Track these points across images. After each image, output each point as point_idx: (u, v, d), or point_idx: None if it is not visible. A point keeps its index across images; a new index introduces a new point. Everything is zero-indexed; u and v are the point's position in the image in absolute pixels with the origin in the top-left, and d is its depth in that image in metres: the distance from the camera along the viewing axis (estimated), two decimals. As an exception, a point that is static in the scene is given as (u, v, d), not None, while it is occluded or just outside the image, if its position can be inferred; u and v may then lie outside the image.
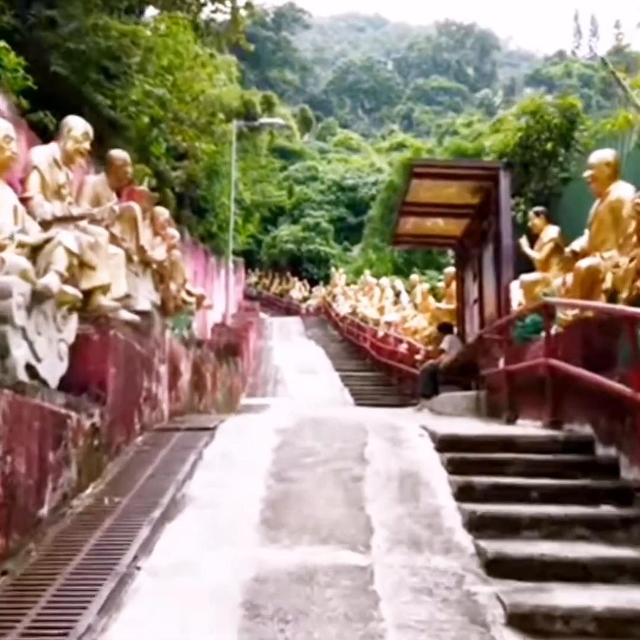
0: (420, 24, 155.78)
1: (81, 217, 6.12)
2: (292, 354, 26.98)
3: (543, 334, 7.95)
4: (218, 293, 26.02)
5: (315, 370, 22.93)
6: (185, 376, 8.91)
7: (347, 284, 39.90)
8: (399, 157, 52.54)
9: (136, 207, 7.84)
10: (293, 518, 4.60)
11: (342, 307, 34.86)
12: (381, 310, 25.52)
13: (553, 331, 7.78)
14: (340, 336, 33.49)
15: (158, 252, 10.04)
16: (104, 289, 6.07)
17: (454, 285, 16.65)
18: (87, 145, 6.58)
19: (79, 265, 5.98)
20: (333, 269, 45.00)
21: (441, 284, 18.46)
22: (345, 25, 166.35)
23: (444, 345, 13.56)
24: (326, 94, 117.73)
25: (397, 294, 24.14)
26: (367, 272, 32.22)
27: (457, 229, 14.67)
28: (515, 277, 10.97)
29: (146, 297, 8.02)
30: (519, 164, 12.89)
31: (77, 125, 6.56)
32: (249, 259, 53.54)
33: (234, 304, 38.49)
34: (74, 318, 5.53)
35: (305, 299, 48.30)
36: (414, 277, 22.22)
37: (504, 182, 11.52)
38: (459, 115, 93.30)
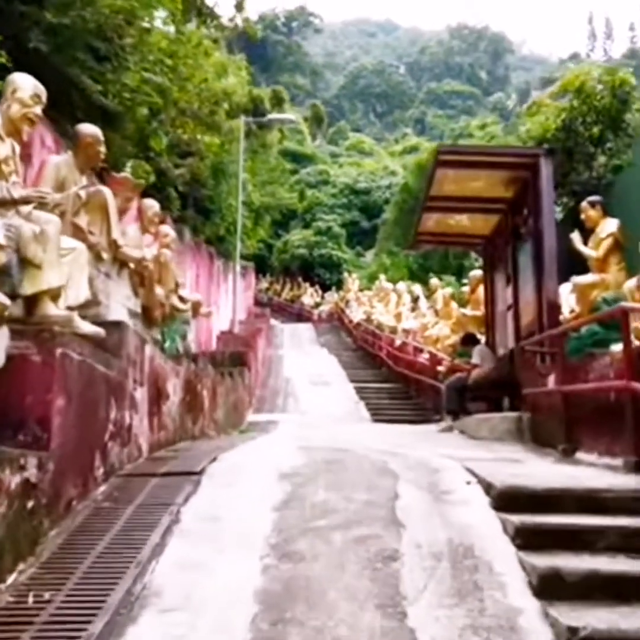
0: (432, 28, 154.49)
1: (25, 201, 4.67)
2: (304, 363, 25.48)
3: (612, 347, 6.42)
4: (225, 299, 24.57)
5: (328, 382, 21.43)
6: (174, 398, 7.42)
7: (361, 290, 38.48)
8: (414, 159, 51.04)
9: (107, 193, 6.37)
10: (299, 636, 3.09)
11: (356, 314, 33.42)
12: (398, 317, 24.01)
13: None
14: (353, 344, 32.04)
15: (147, 251, 8.58)
16: (53, 293, 4.61)
17: (480, 289, 15.14)
18: (38, 110, 5.09)
19: (21, 262, 4.52)
20: (346, 274, 43.57)
21: (464, 289, 16.90)
22: (356, 31, 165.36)
23: (475, 358, 12.02)
24: (338, 99, 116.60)
25: (415, 300, 22.62)
26: (382, 277, 30.73)
27: (486, 226, 13.17)
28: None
29: (122, 304, 6.55)
30: (561, 151, 11.35)
31: (24, 85, 5.07)
32: (260, 264, 52.51)
33: (243, 310, 37.10)
34: (3, 333, 4.08)
35: (317, 305, 46.92)
36: (434, 281, 20.71)
37: (546, 171, 10.00)
38: (472, 118, 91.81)
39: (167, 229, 10.15)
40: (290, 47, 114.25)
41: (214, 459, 5.84)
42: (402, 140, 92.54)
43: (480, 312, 14.93)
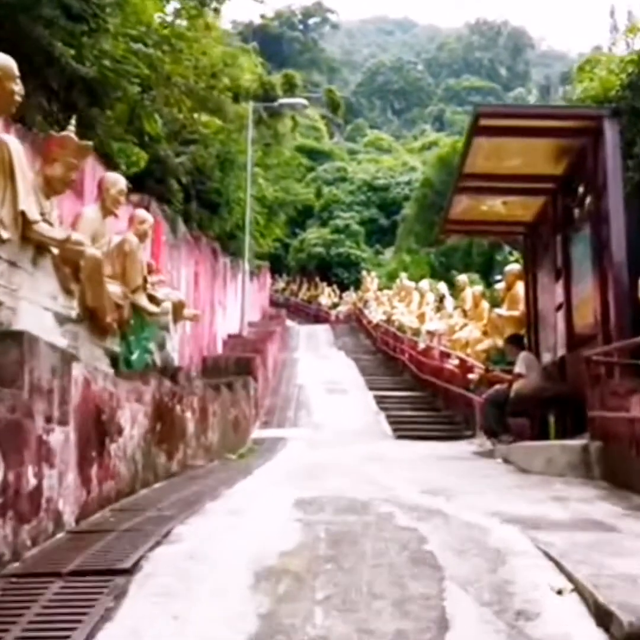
0: (450, 26, 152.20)
1: None
2: (320, 368, 23.57)
3: None
4: (233, 300, 22.69)
5: (345, 389, 19.49)
6: (134, 431, 5.54)
7: (380, 289, 36.59)
8: (435, 152, 49.00)
9: (10, 143, 4.50)
10: None
11: (375, 314, 31.52)
12: (421, 317, 22.05)
13: None
14: (373, 346, 30.17)
15: (117, 239, 6.72)
16: None
17: (518, 286, 13.17)
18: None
19: None
20: (364, 273, 41.71)
21: (498, 286, 14.89)
22: (374, 29, 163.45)
23: (519, 367, 10.04)
24: (355, 96, 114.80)
25: (441, 299, 20.63)
26: (402, 275, 28.78)
27: (527, 212, 11.22)
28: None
29: (40, 305, 4.67)
30: (628, 113, 9.35)
31: None
32: (276, 264, 51.19)
33: (257, 312, 35.27)
34: None
35: (334, 306, 45.21)
36: (462, 277, 18.71)
37: (611, 137, 8.06)
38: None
39: (143, 214, 8.28)
40: (306, 44, 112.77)
41: (166, 535, 3.93)
42: (421, 136, 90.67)
43: (518, 312, 12.97)
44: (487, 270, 37.44)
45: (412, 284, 25.57)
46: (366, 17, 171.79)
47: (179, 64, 13.60)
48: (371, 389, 19.68)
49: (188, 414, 7.79)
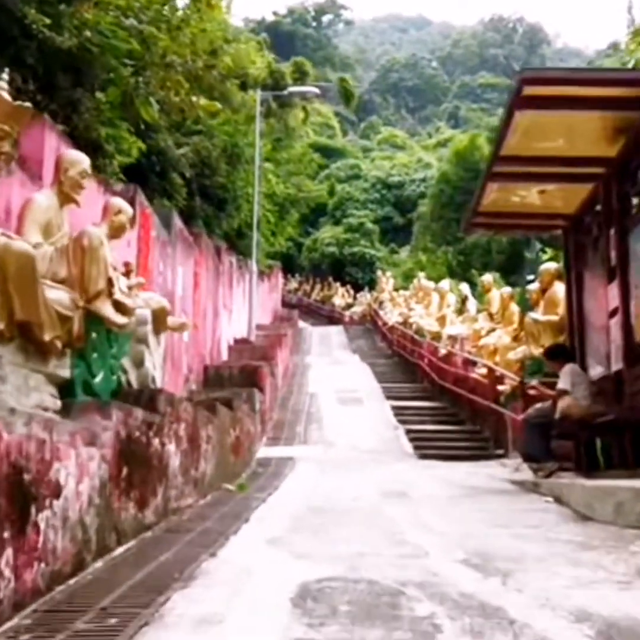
0: (465, 24, 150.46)
1: None
2: (333, 374, 22.16)
3: None
4: (241, 302, 21.28)
5: (360, 399, 18.05)
6: (84, 485, 4.13)
7: (396, 289, 35.13)
8: (453, 147, 47.43)
9: None
10: None
11: (391, 316, 30.09)
12: (441, 321, 20.57)
13: None
14: (388, 349, 28.85)
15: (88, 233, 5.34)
16: None
17: (556, 288, 11.71)
18: None
19: None
20: (379, 273, 40.30)
21: (531, 287, 13.39)
22: (388, 27, 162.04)
23: (563, 382, 8.56)
24: (369, 94, 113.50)
25: (463, 301, 19.14)
26: (420, 274, 27.28)
27: (570, 201, 9.76)
28: None
29: None
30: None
31: None
32: (288, 264, 50.32)
33: (268, 314, 33.88)
34: None
35: (348, 306, 43.89)
36: (487, 278, 17.22)
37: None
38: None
39: (119, 204, 6.86)
40: (320, 41, 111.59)
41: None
42: (436, 134, 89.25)
43: (556, 317, 11.51)
44: (508, 269, 35.97)
45: (431, 284, 24.08)
46: (380, 15, 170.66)
47: (174, 41, 12.17)
48: (388, 398, 18.25)
49: (171, 447, 6.36)
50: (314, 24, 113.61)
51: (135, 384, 6.39)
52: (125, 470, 5.07)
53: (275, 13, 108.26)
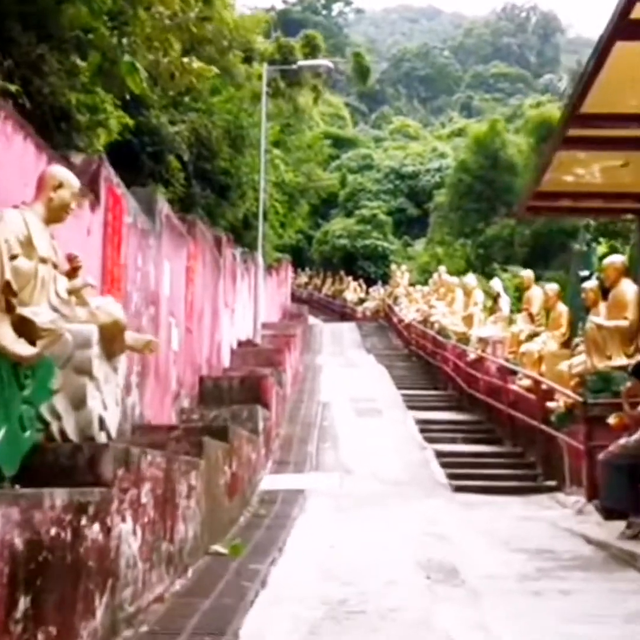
0: (476, 14, 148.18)
1: None
2: (347, 377, 20.09)
3: None
4: (246, 299, 19.22)
5: (379, 409, 15.96)
6: None
7: (411, 284, 32.99)
8: (473, 133, 45.13)
9: None
10: None
11: (407, 312, 28.03)
12: (468, 320, 18.42)
13: None
14: (405, 348, 26.94)
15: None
16: None
17: (622, 286, 9.60)
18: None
19: None
20: (393, 266, 38.19)
21: (587, 285, 11.23)
22: (398, 17, 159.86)
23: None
24: (380, 84, 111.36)
25: (495, 299, 17.00)
26: (441, 268, 25.11)
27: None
28: None
29: None
30: None
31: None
32: (299, 257, 48.70)
33: (275, 310, 31.82)
34: None
35: (361, 301, 41.82)
36: (528, 272, 15.05)
37: None
38: (522, 102, 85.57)
39: (60, 173, 4.83)
40: (330, 29, 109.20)
41: None
42: (449, 123, 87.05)
43: (625, 322, 9.40)
44: (531, 263, 33.82)
45: (454, 279, 21.92)
46: (390, 6, 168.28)
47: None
48: (411, 408, 16.16)
49: (124, 527, 4.31)
50: (324, 12, 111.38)
51: (72, 435, 4.33)
52: (23, 601, 3.02)
53: (284, 1, 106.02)
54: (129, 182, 11.58)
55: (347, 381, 19.42)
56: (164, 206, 9.63)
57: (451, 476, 10.99)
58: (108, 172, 7.25)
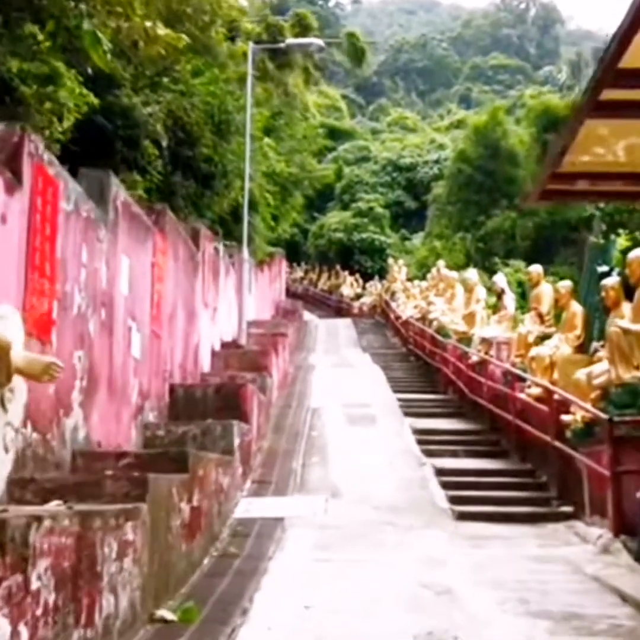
0: (476, 5, 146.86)
1: None
2: (340, 379, 18.78)
3: None
4: (231, 297, 17.88)
5: (373, 416, 14.65)
6: None
7: (409, 279, 31.69)
8: (473, 121, 43.73)
9: None
10: None
11: (404, 308, 26.77)
12: (469, 319, 17.10)
13: None
14: (403, 346, 25.68)
15: None
16: None
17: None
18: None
19: None
20: (391, 261, 36.91)
21: (608, 282, 9.88)
22: (396, 9, 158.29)
23: None
24: (378, 76, 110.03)
25: (499, 296, 15.68)
26: (440, 262, 23.79)
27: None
28: None
29: None
30: None
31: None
32: (294, 251, 47.35)
33: (267, 307, 30.48)
34: None
35: (357, 297, 40.68)
36: (535, 268, 13.70)
37: None
38: (521, 93, 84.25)
39: None
40: (327, 20, 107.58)
41: None
42: (448, 115, 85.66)
43: (655, 325, 8.09)
44: (533, 257, 32.51)
45: (454, 274, 20.57)
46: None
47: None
48: (408, 414, 14.85)
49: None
50: (321, 2, 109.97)
51: None
52: None
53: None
54: (101, 168, 10.30)
55: (340, 383, 18.12)
56: (119, 192, 8.29)
57: (453, 499, 9.65)
58: (35, 147, 5.90)
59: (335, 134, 63.49)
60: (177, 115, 15.33)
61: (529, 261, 31.21)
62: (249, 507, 9.25)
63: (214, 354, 14.93)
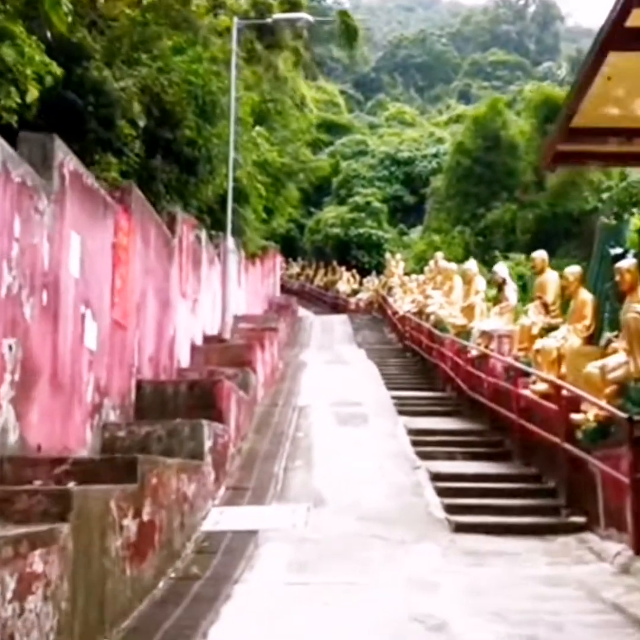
0: (475, 2, 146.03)
1: None
2: (332, 376, 17.77)
3: None
4: (214, 288, 16.85)
5: (365, 415, 13.62)
6: None
7: (407, 274, 30.68)
8: (472, 112, 42.73)
9: None
10: None
11: (401, 303, 25.78)
12: (468, 311, 16.08)
13: None
14: (399, 342, 24.73)
15: None
16: None
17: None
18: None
19: None
20: (388, 255, 35.86)
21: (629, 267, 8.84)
22: (394, 6, 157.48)
23: None
24: (376, 72, 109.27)
25: (500, 286, 14.64)
26: (438, 254, 22.77)
27: None
28: None
29: None
30: None
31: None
32: (290, 247, 46.64)
33: (259, 301, 29.46)
34: None
35: (354, 292, 39.76)
36: (540, 253, 12.65)
37: None
38: (526, 82, 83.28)
39: None
40: (325, 14, 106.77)
41: None
42: (447, 111, 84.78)
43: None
44: (534, 250, 31.54)
45: (452, 266, 19.55)
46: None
47: None
48: (402, 413, 13.84)
49: None
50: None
51: None
52: None
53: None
54: (73, 149, 9.31)
55: (332, 380, 17.11)
56: (68, 160, 7.25)
57: (450, 508, 8.60)
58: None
59: (333, 129, 62.76)
60: (153, 91, 14.29)
61: (530, 255, 30.29)
62: (220, 518, 8.22)
63: (194, 348, 13.91)
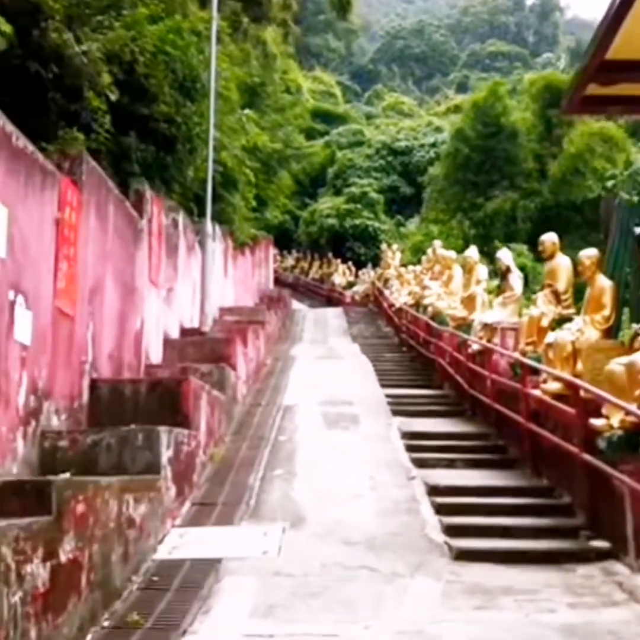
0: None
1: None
2: (323, 372, 16.57)
3: None
4: (193, 278, 15.57)
5: (356, 416, 12.39)
6: None
7: (403, 265, 29.50)
8: (472, 98, 41.44)
9: None
10: None
11: (398, 295, 24.60)
12: (469, 302, 14.84)
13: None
14: (396, 336, 23.53)
15: None
16: None
17: None
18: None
19: None
20: (384, 246, 34.64)
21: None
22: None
23: None
24: (374, 63, 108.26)
25: (504, 274, 13.38)
26: (436, 242, 21.55)
27: None
28: None
29: None
30: None
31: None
32: (285, 239, 45.93)
33: (249, 293, 28.19)
34: None
35: (350, 285, 38.90)
36: (550, 236, 11.38)
37: None
38: (525, 73, 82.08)
39: None
40: (322, 5, 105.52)
41: None
42: (445, 101, 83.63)
43: None
44: (535, 241, 30.36)
45: (451, 254, 18.31)
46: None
47: None
48: (396, 413, 12.61)
49: None
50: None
51: None
52: None
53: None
54: (33, 123, 8.12)
55: (322, 377, 15.89)
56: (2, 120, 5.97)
57: (450, 530, 7.35)
58: None
59: (328, 118, 61.77)
60: (124, 60, 12.99)
61: (532, 245, 29.00)
62: (179, 542, 6.96)
63: (168, 342, 12.64)
